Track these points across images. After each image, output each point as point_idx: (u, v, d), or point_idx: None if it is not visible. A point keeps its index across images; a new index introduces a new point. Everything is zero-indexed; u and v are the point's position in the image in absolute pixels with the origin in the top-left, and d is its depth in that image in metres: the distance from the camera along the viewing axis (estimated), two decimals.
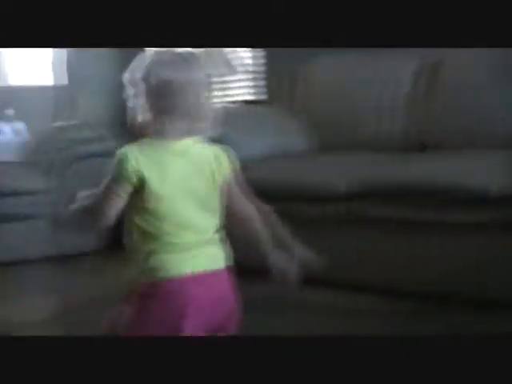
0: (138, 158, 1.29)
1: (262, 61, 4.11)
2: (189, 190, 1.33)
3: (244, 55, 4.21)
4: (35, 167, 3.61)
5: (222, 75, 4.11)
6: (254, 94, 4.23)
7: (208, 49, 3.87)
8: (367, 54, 3.31)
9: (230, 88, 4.20)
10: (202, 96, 1.35)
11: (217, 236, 1.39)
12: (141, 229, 1.32)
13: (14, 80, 5.23)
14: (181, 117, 1.32)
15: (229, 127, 3.01)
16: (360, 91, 3.28)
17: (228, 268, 1.40)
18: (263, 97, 4.13)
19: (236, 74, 4.18)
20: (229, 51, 4.09)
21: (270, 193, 2.82)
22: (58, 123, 3.97)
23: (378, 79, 3.25)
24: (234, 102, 4.09)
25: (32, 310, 2.70)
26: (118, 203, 1.30)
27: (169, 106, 1.32)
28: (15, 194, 3.53)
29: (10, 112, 4.09)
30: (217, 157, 1.38)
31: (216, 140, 3.00)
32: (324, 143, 3.27)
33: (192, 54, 1.40)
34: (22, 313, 2.66)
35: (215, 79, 4.03)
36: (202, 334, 1.31)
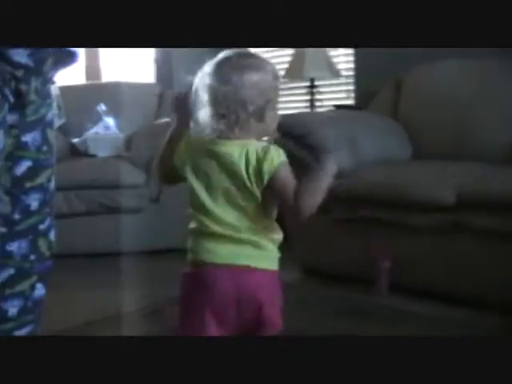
0: (186, 151, 1.45)
1: (356, 65, 4.08)
2: (217, 187, 1.40)
3: (338, 59, 4.18)
4: (136, 162, 3.68)
5: (325, 78, 4.12)
6: (347, 99, 4.20)
7: (311, 51, 3.86)
8: (473, 61, 3.22)
9: (322, 92, 4.17)
10: (260, 102, 1.39)
11: (254, 237, 1.42)
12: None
13: (106, 76, 5.41)
14: (235, 121, 1.38)
15: (330, 133, 3.00)
16: (467, 100, 3.17)
17: (265, 270, 1.45)
18: (353, 102, 4.11)
19: (339, 78, 4.16)
20: (330, 55, 4.10)
21: (374, 200, 2.82)
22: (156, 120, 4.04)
23: (486, 88, 3.13)
24: (329, 107, 4.06)
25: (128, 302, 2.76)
26: None
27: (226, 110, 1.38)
28: (116, 187, 3.62)
29: (103, 108, 4.22)
30: (259, 158, 1.37)
31: (316, 146, 2.96)
32: (428, 152, 3.19)
33: (260, 60, 1.43)
34: (120, 303, 2.72)
35: (310, 83, 4.05)
36: (224, 327, 1.39)
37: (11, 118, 1.34)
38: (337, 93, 4.31)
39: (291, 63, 4.06)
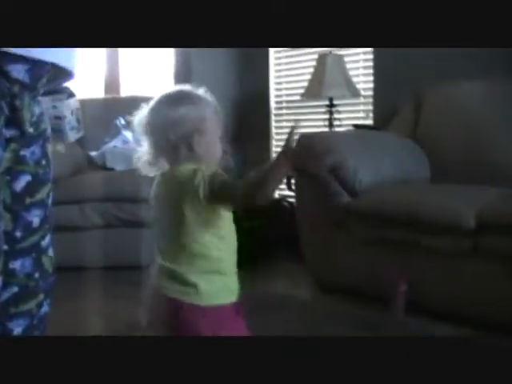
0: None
1: (375, 85, 4.07)
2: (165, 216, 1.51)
3: (358, 79, 4.18)
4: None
5: (344, 98, 4.11)
6: (366, 118, 4.20)
7: (331, 70, 3.85)
8: (495, 82, 3.21)
9: (341, 112, 4.16)
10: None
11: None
12: None
13: (125, 90, 5.44)
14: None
15: (349, 152, 2.99)
16: (487, 121, 3.15)
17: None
18: (372, 122, 4.10)
19: (358, 97, 4.15)
20: (350, 74, 4.10)
21: (391, 220, 2.80)
22: None
23: (507, 109, 3.12)
24: (348, 126, 4.05)
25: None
26: None
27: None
28: (133, 200, 3.61)
29: (121, 122, 4.22)
30: (183, 182, 1.44)
31: (335, 166, 2.92)
32: (447, 172, 3.16)
33: (195, 95, 1.52)
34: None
35: (329, 102, 4.04)
36: None
37: (9, 133, 1.33)
38: (355, 112, 4.30)
39: (310, 82, 4.06)
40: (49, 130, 1.49)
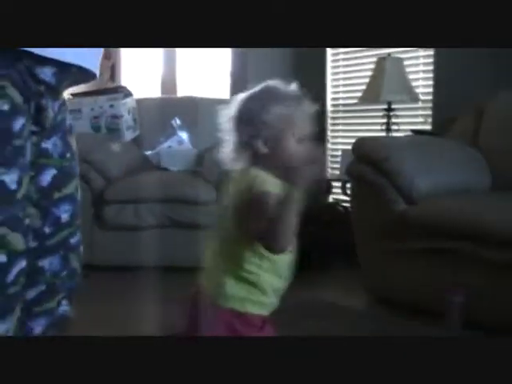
0: None
1: (435, 90, 3.99)
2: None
3: (417, 83, 4.10)
4: (207, 178, 3.67)
5: (403, 102, 4.04)
6: (424, 123, 4.12)
7: (390, 73, 3.79)
8: None
9: (399, 116, 4.08)
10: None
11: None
12: None
13: (181, 91, 5.46)
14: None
15: (407, 159, 2.93)
16: None
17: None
18: (430, 127, 4.02)
19: (417, 102, 4.08)
20: (409, 78, 4.03)
21: (449, 230, 2.72)
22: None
23: None
24: (405, 131, 3.98)
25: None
26: None
27: None
28: (186, 202, 3.62)
29: (177, 122, 4.23)
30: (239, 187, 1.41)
31: (393, 172, 2.89)
32: (509, 183, 3.07)
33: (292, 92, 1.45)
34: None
35: (387, 107, 3.98)
36: None
37: (30, 128, 1.32)
38: (414, 117, 4.22)
39: (369, 85, 4.00)
40: (68, 122, 1.46)
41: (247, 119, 1.43)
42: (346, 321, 2.76)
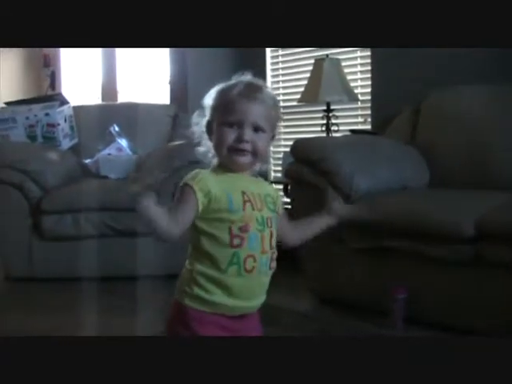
0: None
1: (373, 89, 4.02)
2: None
3: (355, 83, 4.13)
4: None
5: (341, 103, 4.06)
6: (364, 123, 4.15)
7: (328, 74, 3.81)
8: (494, 86, 3.15)
9: (338, 117, 4.10)
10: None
11: None
12: None
13: (122, 97, 5.41)
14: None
15: (346, 158, 2.93)
16: (487, 126, 3.09)
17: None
18: (370, 127, 4.05)
19: (356, 102, 4.10)
20: (347, 78, 4.06)
21: (390, 229, 2.72)
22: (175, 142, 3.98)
23: (507, 114, 3.06)
24: (345, 131, 4.00)
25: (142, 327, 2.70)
26: None
27: None
28: (126, 209, 3.55)
29: (115, 129, 4.18)
30: None
31: (331, 172, 2.87)
32: (446, 179, 3.10)
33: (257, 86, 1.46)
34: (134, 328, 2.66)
35: (326, 107, 3.99)
36: None
37: None
38: (353, 117, 4.24)
39: (307, 86, 4.01)
40: None
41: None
42: (291, 323, 2.75)
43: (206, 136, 1.47)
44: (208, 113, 1.46)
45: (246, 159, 1.42)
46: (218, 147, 1.43)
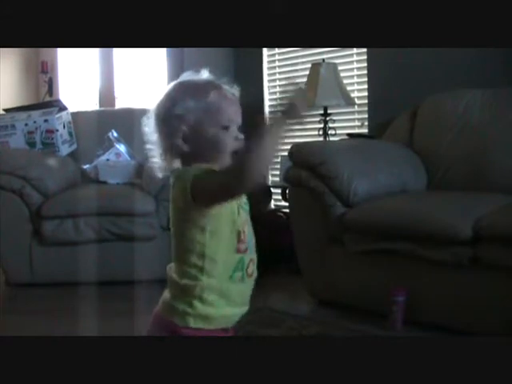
0: None
1: (370, 93, 4.05)
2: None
3: (352, 87, 4.16)
4: (147, 189, 3.64)
5: (338, 107, 4.08)
6: (361, 127, 4.17)
7: (325, 78, 3.82)
8: (491, 89, 3.19)
9: (336, 121, 4.13)
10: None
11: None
12: None
13: (120, 103, 5.42)
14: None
15: (344, 162, 2.95)
16: (484, 129, 3.12)
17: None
18: (367, 131, 4.07)
19: (353, 106, 4.12)
20: (344, 82, 4.08)
21: (388, 231, 2.74)
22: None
23: (504, 117, 3.09)
24: (342, 135, 4.02)
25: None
26: None
27: None
28: (126, 214, 3.57)
29: (114, 134, 4.19)
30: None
31: (330, 176, 2.87)
32: (444, 182, 3.13)
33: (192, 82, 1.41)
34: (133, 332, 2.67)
35: (324, 112, 4.01)
36: None
37: None
38: (350, 121, 4.27)
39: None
40: None
41: (163, 120, 1.36)
42: (290, 325, 2.76)
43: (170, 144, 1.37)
44: (181, 120, 1.35)
45: None
46: (215, 151, 1.35)
